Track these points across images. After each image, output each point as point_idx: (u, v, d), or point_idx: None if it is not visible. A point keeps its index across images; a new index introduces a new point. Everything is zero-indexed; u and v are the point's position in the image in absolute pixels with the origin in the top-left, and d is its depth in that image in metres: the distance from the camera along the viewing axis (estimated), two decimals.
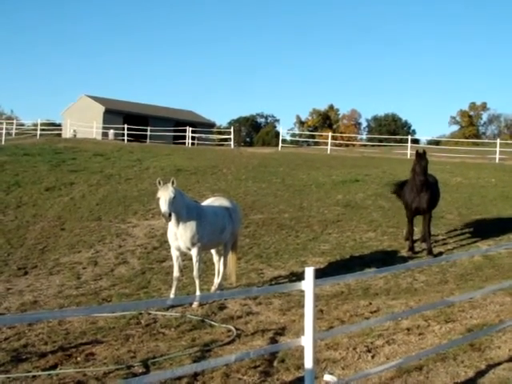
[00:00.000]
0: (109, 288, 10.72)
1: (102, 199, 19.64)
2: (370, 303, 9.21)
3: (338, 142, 66.21)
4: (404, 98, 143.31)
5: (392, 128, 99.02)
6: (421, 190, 13.00)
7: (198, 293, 9.53)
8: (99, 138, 49.56)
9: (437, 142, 72.90)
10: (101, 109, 55.71)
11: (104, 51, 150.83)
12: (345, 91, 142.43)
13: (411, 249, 13.25)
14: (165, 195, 8.85)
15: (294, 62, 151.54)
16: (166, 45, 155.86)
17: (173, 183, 8.98)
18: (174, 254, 9.64)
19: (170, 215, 8.77)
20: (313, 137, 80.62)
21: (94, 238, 14.70)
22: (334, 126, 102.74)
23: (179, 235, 9.30)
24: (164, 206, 8.79)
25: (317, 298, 8.69)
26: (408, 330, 7.54)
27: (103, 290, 10.63)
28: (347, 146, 60.34)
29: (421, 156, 12.88)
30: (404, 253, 13.31)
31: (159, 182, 9.05)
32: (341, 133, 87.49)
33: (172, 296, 9.38)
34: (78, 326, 8.32)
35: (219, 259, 10.56)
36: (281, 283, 10.68)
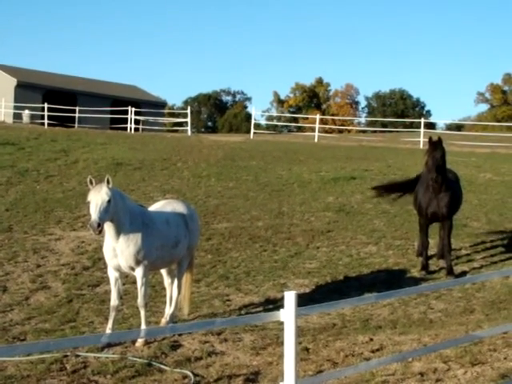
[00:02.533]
0: (22, 322, 10.53)
1: (14, 203, 19.40)
2: (371, 339, 9.21)
3: (328, 126, 66.82)
4: (415, 70, 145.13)
5: (400, 108, 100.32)
6: (438, 191, 13.10)
7: (143, 326, 9.51)
8: (9, 120, 49.15)
9: (458, 127, 74.15)
10: (11, 82, 55.22)
11: (17, 5, 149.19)
12: (337, 60, 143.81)
13: (425, 267, 13.37)
14: (96, 198, 8.85)
15: (269, 22, 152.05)
16: (102, 1, 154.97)
17: (108, 182, 9.00)
18: (112, 275, 9.64)
19: (99, 226, 8.73)
20: (295, 120, 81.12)
21: (2, 256, 14.45)
22: (324, 107, 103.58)
23: (119, 251, 9.33)
24: (94, 213, 8.77)
25: (300, 332, 8.88)
26: (421, 374, 7.57)
27: (14, 324, 10.43)
28: (340, 132, 60.82)
29: (435, 145, 12.96)
30: (416, 272, 13.47)
31: (90, 181, 9.04)
32: (332, 115, 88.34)
33: (109, 331, 9.33)
34: None
35: (172, 282, 10.59)
36: (253, 313, 10.69)
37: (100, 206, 8.78)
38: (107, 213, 8.85)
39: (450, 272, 13.01)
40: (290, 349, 5.69)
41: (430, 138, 13.06)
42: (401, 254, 14.68)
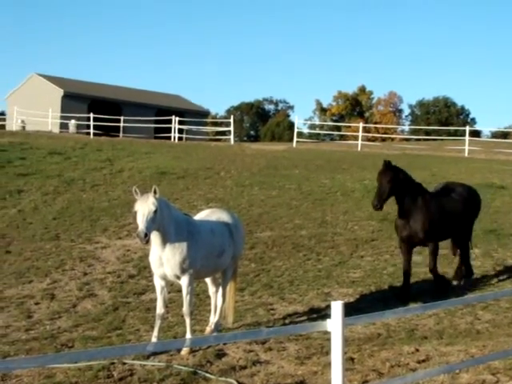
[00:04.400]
0: (70, 329, 10.66)
1: (61, 212, 19.73)
2: (417, 350, 9.14)
3: (371, 135, 66.38)
4: (459, 77, 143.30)
5: (444, 116, 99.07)
6: (406, 215, 12.25)
7: (188, 335, 9.52)
8: (56, 130, 49.93)
9: (505, 135, 72.85)
10: (58, 92, 56.15)
11: (63, 16, 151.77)
12: (380, 68, 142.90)
13: (404, 296, 12.06)
14: (143, 208, 8.91)
15: (311, 30, 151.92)
16: (145, 12, 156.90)
17: (155, 192, 9.07)
18: (158, 284, 9.68)
19: (146, 235, 8.79)
20: (338, 129, 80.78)
21: (49, 264, 14.70)
22: (367, 115, 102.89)
23: (165, 259, 9.36)
24: (141, 223, 8.84)
25: (346, 341, 8.52)
26: None
27: (62, 332, 10.56)
28: (384, 140, 60.37)
29: (382, 169, 12.25)
30: (462, 282, 13.25)
31: (135, 191, 9.13)
32: (375, 123, 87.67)
33: (154, 340, 9.39)
34: (28, 381, 8.28)
35: (216, 291, 10.61)
36: (297, 322, 10.66)
37: (147, 216, 8.85)
38: (154, 223, 8.91)
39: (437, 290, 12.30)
40: (338, 359, 5.69)
41: (384, 162, 12.36)
42: (446, 264, 14.46)
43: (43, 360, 6.07)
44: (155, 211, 8.91)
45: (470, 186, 13.90)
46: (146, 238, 8.83)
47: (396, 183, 11.98)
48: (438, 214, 12.38)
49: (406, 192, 12.13)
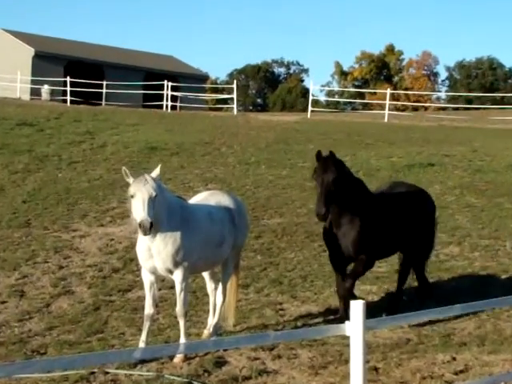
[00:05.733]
0: (42, 333, 10.65)
1: (32, 194, 19.71)
2: (454, 358, 9.16)
3: (400, 103, 66.16)
4: (508, 33, 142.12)
5: (488, 81, 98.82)
6: (337, 224, 10.90)
7: (182, 340, 9.58)
8: (26, 97, 49.95)
9: None
10: (28, 52, 56.06)
11: None
12: (412, 24, 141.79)
13: (344, 315, 10.69)
14: (143, 193, 8.96)
15: None
16: None
17: (154, 175, 9.26)
18: (147, 279, 9.74)
19: (152, 225, 8.88)
20: (361, 96, 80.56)
21: (18, 255, 14.70)
22: (395, 79, 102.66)
23: (155, 251, 9.40)
24: (142, 211, 8.88)
25: (368, 348, 8.72)
26: None
27: (33, 335, 10.56)
28: (415, 109, 60.16)
29: (324, 163, 10.68)
30: (508, 279, 13.20)
31: (126, 173, 9.18)
32: (405, 89, 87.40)
33: (142, 345, 9.43)
34: None
35: (215, 287, 10.65)
36: (311, 325, 10.63)
37: (148, 201, 8.92)
38: (153, 209, 8.96)
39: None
40: (358, 368, 5.74)
41: (319, 154, 10.73)
42: (489, 257, 14.49)
43: (11, 368, 6.05)
44: (156, 196, 8.99)
45: (421, 188, 13.07)
46: (151, 229, 8.91)
47: (342, 183, 10.62)
48: (380, 222, 11.09)
49: (344, 193, 10.70)
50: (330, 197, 10.39)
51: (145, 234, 8.96)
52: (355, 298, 10.65)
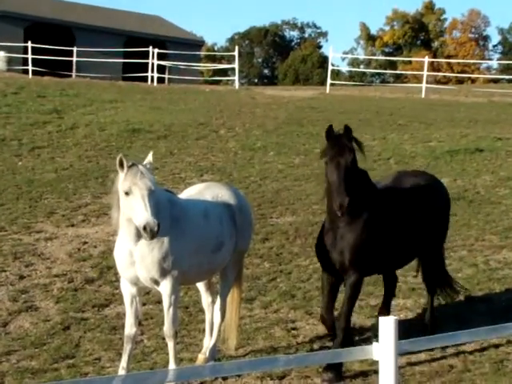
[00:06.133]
0: None
1: None
2: None
3: (442, 74, 65.74)
4: None
5: None
6: (342, 225, 9.91)
7: (172, 366, 9.29)
8: None
9: None
10: None
11: None
12: None
13: (330, 331, 10.47)
14: (140, 188, 8.69)
15: None
16: None
17: (149, 163, 9.18)
18: (128, 291, 9.43)
19: (159, 227, 8.60)
20: (393, 65, 79.60)
21: None
22: (435, 45, 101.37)
23: (138, 256, 9.08)
24: (144, 211, 8.60)
25: (403, 376, 9.01)
26: None
27: None
28: (460, 82, 59.44)
29: (337, 142, 9.73)
30: None
31: (121, 163, 8.82)
32: (448, 57, 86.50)
33: (123, 372, 9.14)
34: None
35: (212, 301, 10.41)
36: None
37: (149, 198, 8.65)
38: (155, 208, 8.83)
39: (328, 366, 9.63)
40: None
41: (329, 129, 9.74)
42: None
43: None
44: (153, 192, 8.80)
45: (433, 176, 12.02)
46: (157, 233, 8.67)
47: (356, 169, 9.79)
48: (387, 225, 10.12)
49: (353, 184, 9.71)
50: (352, 184, 9.36)
51: (151, 238, 8.71)
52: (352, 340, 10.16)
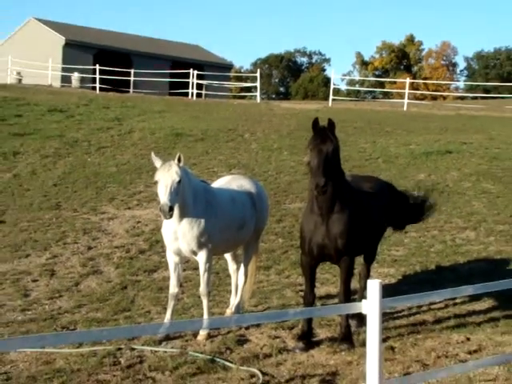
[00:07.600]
0: (71, 310, 10.76)
1: (62, 178, 19.90)
2: (468, 338, 9.21)
3: (419, 92, 65.84)
4: None
5: (506, 71, 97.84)
6: (328, 211, 9.28)
7: (205, 317, 9.61)
8: (57, 84, 49.96)
9: None
10: (59, 40, 56.09)
11: None
12: (431, 15, 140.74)
13: (305, 334, 9.45)
14: (165, 179, 8.99)
15: None
16: None
17: (179, 160, 9.15)
18: (172, 260, 9.79)
19: (171, 209, 8.90)
20: (381, 85, 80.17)
21: (49, 236, 14.84)
22: (415, 69, 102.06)
23: (181, 233, 9.43)
24: (164, 196, 8.92)
25: (385, 328, 8.86)
26: None
27: (63, 313, 10.66)
28: (434, 98, 59.84)
29: (321, 133, 9.28)
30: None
31: (154, 158, 9.23)
32: (425, 79, 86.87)
33: (167, 322, 9.38)
34: (24, 367, 8.40)
35: (237, 268, 10.72)
36: (331, 305, 10.56)
37: (170, 187, 8.93)
38: (177, 195, 9.00)
39: (342, 338, 9.29)
40: (374, 346, 5.74)
41: (315, 122, 9.37)
42: (504, 241, 14.40)
43: (42, 342, 6.07)
44: (179, 182, 9.00)
45: (382, 179, 11.88)
46: (171, 213, 8.91)
47: (338, 159, 9.32)
48: (362, 214, 9.68)
49: (336, 173, 9.18)
50: (329, 169, 8.85)
51: (165, 217, 8.98)
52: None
